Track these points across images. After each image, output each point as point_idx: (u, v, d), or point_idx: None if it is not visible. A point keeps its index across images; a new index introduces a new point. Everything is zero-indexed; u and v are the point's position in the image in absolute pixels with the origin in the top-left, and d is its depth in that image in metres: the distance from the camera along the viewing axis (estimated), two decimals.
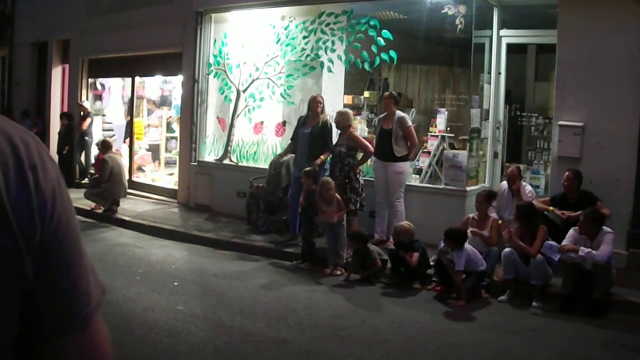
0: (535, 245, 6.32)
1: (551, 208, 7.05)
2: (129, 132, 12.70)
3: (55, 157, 13.43)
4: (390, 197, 8.06)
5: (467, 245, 6.50)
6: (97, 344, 1.03)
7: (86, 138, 12.89)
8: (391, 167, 8.05)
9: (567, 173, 7.09)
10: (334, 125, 8.30)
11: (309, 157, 8.07)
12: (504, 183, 7.67)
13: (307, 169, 7.73)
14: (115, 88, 13.80)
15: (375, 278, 7.00)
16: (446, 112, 8.97)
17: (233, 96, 10.49)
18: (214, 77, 10.76)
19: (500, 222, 7.10)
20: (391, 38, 8.79)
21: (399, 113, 8.19)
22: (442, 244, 6.60)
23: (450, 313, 6.06)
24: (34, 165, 0.94)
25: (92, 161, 12.53)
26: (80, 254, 1.01)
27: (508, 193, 7.46)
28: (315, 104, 8.27)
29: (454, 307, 6.21)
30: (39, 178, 0.94)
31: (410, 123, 8.16)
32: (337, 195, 7.36)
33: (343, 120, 8.10)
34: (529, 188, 7.54)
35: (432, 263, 6.95)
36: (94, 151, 12.34)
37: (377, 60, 8.87)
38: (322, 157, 7.97)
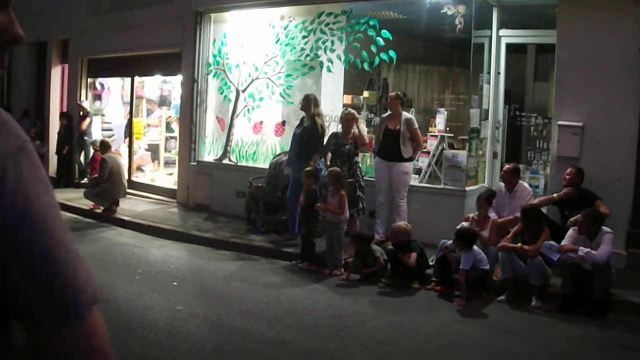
0: (535, 246, 6.31)
1: (555, 195, 7.08)
2: (129, 131, 12.71)
3: (55, 157, 13.44)
4: (394, 197, 8.06)
5: (474, 247, 6.51)
6: (92, 339, 0.98)
7: (85, 138, 12.89)
8: (397, 167, 8.05)
9: (570, 169, 7.11)
10: (338, 124, 8.36)
11: (299, 157, 8.11)
12: (501, 184, 7.67)
13: (308, 168, 7.75)
14: (115, 88, 13.80)
15: (376, 277, 7.00)
16: (445, 112, 8.97)
17: (232, 96, 10.49)
18: (214, 77, 10.75)
19: (499, 220, 7.14)
20: (390, 38, 8.79)
21: (406, 114, 8.21)
22: (448, 242, 6.62)
23: (449, 313, 6.06)
24: None
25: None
26: (54, 242, 0.92)
27: (505, 192, 7.46)
28: (303, 102, 8.37)
29: (455, 306, 6.22)
30: None
31: (417, 124, 8.18)
32: (342, 191, 7.36)
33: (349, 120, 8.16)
34: (526, 187, 7.54)
35: (431, 263, 6.96)
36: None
37: (377, 60, 8.87)
38: (311, 163, 7.98)
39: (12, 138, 0.92)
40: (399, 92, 8.50)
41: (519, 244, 6.38)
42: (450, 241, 6.64)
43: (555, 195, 7.18)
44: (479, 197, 7.24)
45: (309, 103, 8.29)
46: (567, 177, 7.09)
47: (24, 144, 0.93)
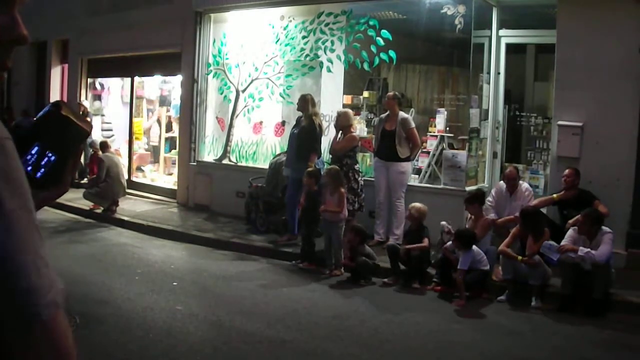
0: (535, 246, 6.31)
1: (555, 195, 7.09)
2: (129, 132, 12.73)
3: None
4: (391, 197, 8.08)
5: (474, 247, 6.52)
6: (52, 344, 0.94)
7: None
8: (394, 167, 8.07)
9: (567, 170, 7.12)
10: (330, 125, 8.40)
11: (297, 158, 8.12)
12: (502, 183, 7.68)
13: (310, 169, 7.75)
14: (115, 88, 13.80)
15: (363, 279, 6.99)
16: (445, 112, 8.96)
17: (232, 96, 10.49)
18: (213, 77, 10.75)
19: (497, 220, 7.16)
20: (390, 38, 8.79)
21: (402, 114, 8.23)
22: (448, 243, 6.64)
23: (449, 313, 6.06)
24: None
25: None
26: (20, 246, 0.89)
27: (506, 193, 7.47)
28: (300, 103, 8.40)
29: (455, 306, 6.22)
30: None
31: (413, 124, 8.18)
32: (341, 189, 7.36)
33: (343, 121, 8.16)
34: (526, 187, 7.56)
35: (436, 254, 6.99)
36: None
37: (377, 60, 8.87)
38: (309, 163, 7.98)
39: None
40: (396, 92, 8.52)
41: (519, 257, 6.36)
42: (450, 242, 6.67)
43: (555, 195, 7.19)
44: (464, 200, 7.29)
45: (307, 103, 8.30)
46: (568, 178, 7.09)
47: (4, 141, 0.91)
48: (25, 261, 0.91)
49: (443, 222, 6.96)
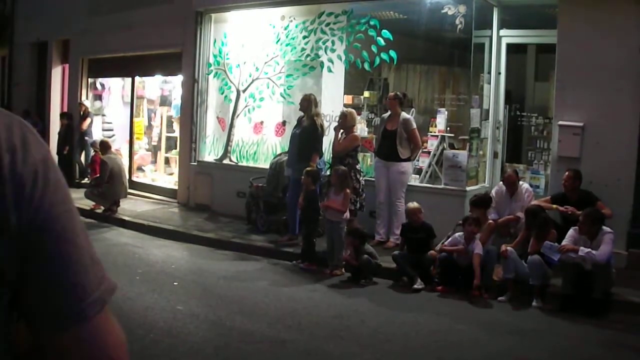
0: (537, 246, 6.32)
1: (554, 206, 7.06)
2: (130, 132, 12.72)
3: (56, 157, 13.45)
4: (391, 197, 8.08)
5: None
6: (100, 341, 0.99)
7: (86, 138, 12.90)
8: (394, 167, 8.07)
9: (567, 173, 7.11)
10: (331, 125, 8.40)
11: (299, 158, 8.12)
12: (502, 184, 7.68)
13: (308, 169, 7.75)
14: (115, 88, 13.80)
15: (365, 279, 7.00)
16: (446, 112, 8.96)
17: (233, 96, 10.49)
18: (214, 77, 10.76)
19: (499, 220, 7.17)
20: (391, 38, 8.79)
21: (404, 115, 8.24)
22: (447, 241, 6.69)
23: (450, 313, 6.05)
24: (13, 146, 0.92)
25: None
26: (72, 244, 0.96)
27: (506, 194, 7.47)
28: (303, 103, 8.40)
29: (475, 296, 6.33)
30: (17, 160, 0.91)
31: (414, 125, 8.19)
32: (347, 190, 7.36)
33: (350, 121, 8.19)
34: (527, 188, 7.55)
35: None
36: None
37: (377, 60, 8.87)
38: (311, 163, 7.98)
39: (42, 147, 0.98)
40: (398, 93, 8.51)
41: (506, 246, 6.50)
42: (450, 238, 6.68)
43: (556, 207, 7.10)
44: (470, 203, 7.30)
45: (310, 103, 8.31)
46: (566, 182, 7.06)
47: (49, 154, 0.99)
48: (74, 260, 0.96)
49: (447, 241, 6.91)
